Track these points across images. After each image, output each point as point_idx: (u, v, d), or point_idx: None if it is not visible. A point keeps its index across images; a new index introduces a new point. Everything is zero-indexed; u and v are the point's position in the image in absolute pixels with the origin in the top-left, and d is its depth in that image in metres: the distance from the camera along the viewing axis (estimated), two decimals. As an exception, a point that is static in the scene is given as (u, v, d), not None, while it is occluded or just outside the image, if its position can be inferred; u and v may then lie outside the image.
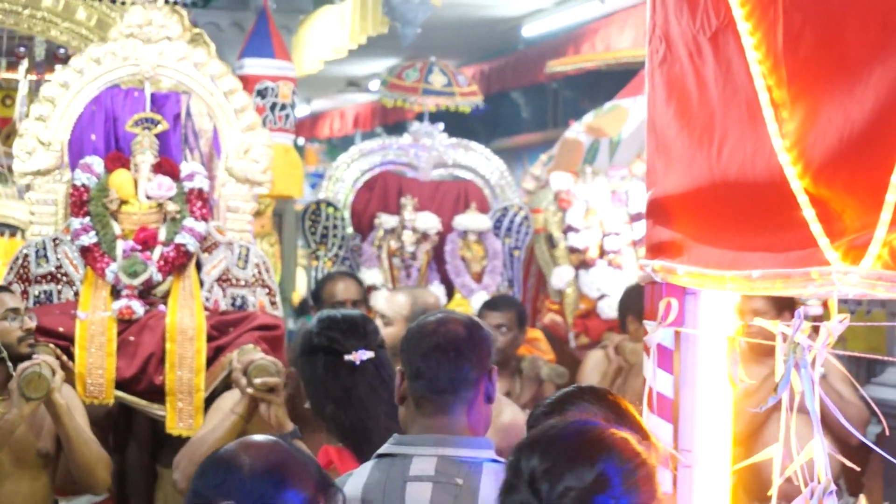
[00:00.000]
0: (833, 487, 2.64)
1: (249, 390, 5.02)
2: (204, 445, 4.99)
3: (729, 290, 2.91)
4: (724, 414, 3.24)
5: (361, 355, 4.16)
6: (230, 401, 5.28)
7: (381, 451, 3.28)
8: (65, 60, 12.81)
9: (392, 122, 20.33)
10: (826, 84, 2.57)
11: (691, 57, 3.09)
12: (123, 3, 6.86)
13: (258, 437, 2.70)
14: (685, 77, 3.12)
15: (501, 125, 17.93)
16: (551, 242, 8.37)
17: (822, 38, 2.58)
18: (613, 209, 8.39)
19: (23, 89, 12.72)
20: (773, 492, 2.85)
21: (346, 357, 4.16)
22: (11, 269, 6.13)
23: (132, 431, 6.37)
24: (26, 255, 6.12)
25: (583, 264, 8.26)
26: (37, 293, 6.05)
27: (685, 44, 3.13)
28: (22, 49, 12.02)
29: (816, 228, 2.57)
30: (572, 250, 8.31)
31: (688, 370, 3.24)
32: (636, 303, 7.03)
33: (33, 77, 13.10)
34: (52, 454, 5.33)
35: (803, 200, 2.62)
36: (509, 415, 4.99)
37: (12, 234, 10.59)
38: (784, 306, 5.80)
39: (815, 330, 2.73)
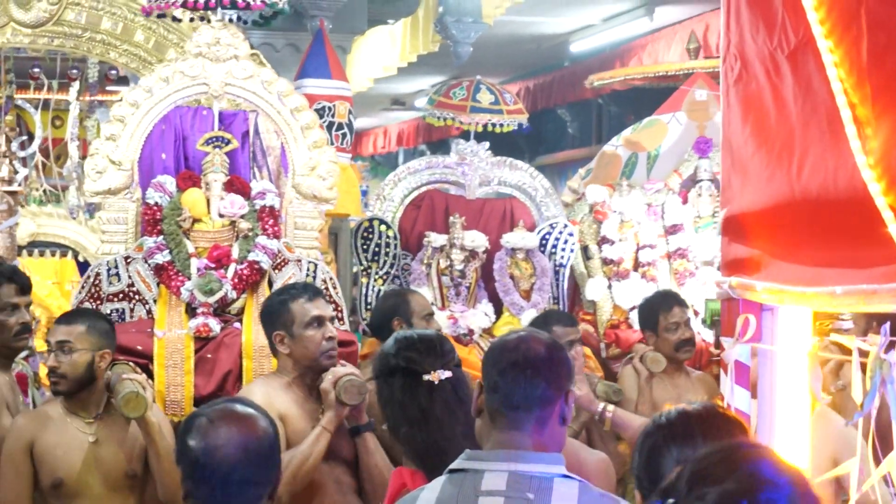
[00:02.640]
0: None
1: (337, 406, 5.13)
2: (306, 461, 5.08)
3: (811, 307, 2.97)
4: (803, 429, 3.29)
5: (440, 375, 4.16)
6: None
7: (453, 466, 3.32)
8: (117, 81, 13.06)
9: (436, 139, 20.39)
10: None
11: (768, 74, 3.17)
12: (180, 20, 6.91)
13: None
14: (762, 95, 3.19)
15: (546, 141, 17.96)
16: (586, 254, 8.40)
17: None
18: (648, 222, 8.43)
19: (74, 111, 12.93)
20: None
21: (425, 377, 4.15)
22: (83, 287, 6.20)
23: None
24: (98, 274, 6.18)
25: (616, 276, 8.30)
26: (109, 311, 6.10)
27: (762, 61, 3.20)
28: (74, 71, 12.21)
29: (902, 244, 2.63)
30: (606, 262, 8.34)
31: (765, 386, 3.29)
32: (644, 317, 7.12)
33: (86, 98, 13.31)
34: (140, 476, 5.38)
35: (888, 217, 2.68)
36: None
37: (63, 254, 10.73)
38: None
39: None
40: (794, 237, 3.05)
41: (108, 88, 13.25)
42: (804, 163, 2.98)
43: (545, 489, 3.17)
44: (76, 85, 12.77)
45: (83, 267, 10.86)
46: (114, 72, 12.58)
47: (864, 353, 2.98)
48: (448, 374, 4.20)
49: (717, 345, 7.43)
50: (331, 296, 6.28)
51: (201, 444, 3.24)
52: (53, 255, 10.85)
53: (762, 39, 3.17)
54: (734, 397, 3.28)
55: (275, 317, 5.45)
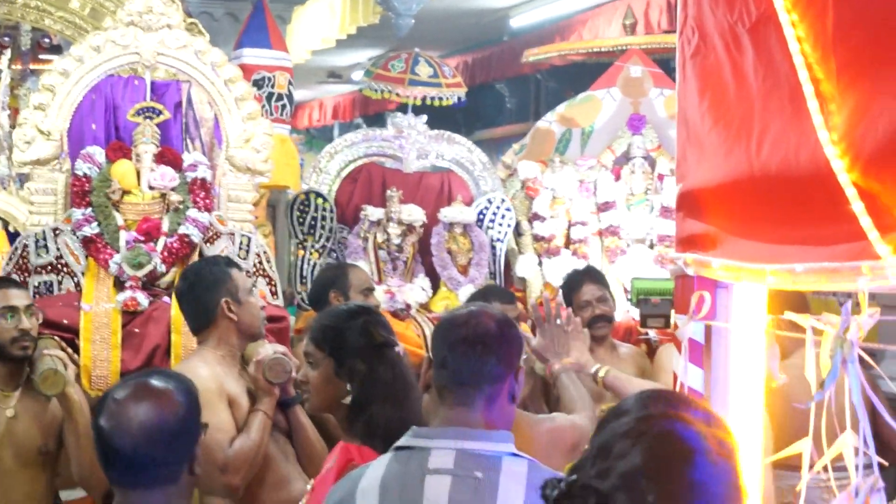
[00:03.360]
0: (882, 485, 2.61)
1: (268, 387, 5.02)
2: (259, 450, 4.96)
3: (769, 285, 2.88)
4: (757, 408, 3.22)
5: (400, 348, 4.10)
6: None
7: (399, 443, 3.23)
8: (50, 50, 12.85)
9: (372, 112, 20.29)
10: (880, 75, 2.54)
11: (728, 48, 3.07)
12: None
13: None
14: (721, 69, 3.10)
15: (483, 116, 17.91)
16: (518, 230, 8.34)
17: (877, 29, 2.55)
18: (580, 199, 8.39)
19: (5, 79, 12.69)
20: (802, 486, 2.83)
21: (396, 349, 4.07)
22: (11, 258, 6.08)
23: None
24: (26, 245, 6.06)
25: (547, 253, 8.24)
26: (36, 284, 5.99)
27: (721, 35, 3.10)
28: (6, 39, 11.99)
29: (866, 222, 2.54)
30: (537, 238, 8.29)
31: (719, 365, 3.22)
32: (563, 295, 7.06)
33: (18, 67, 13.08)
34: (53, 452, 5.26)
35: (852, 193, 2.59)
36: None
37: (-3, 227, 10.53)
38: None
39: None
40: (753, 214, 2.96)
41: (40, 57, 13.01)
42: (764, 138, 2.89)
43: (493, 468, 3.10)
44: (7, 53, 12.51)
45: (13, 237, 10.68)
46: (47, 40, 12.38)
47: (817, 332, 2.91)
48: (402, 346, 4.15)
49: (643, 322, 7.37)
50: (264, 270, 6.19)
51: (108, 424, 3.16)
52: (-13, 226, 10.64)
53: (722, 12, 3.08)
54: (688, 376, 3.20)
55: (219, 284, 5.19)
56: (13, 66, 13.02)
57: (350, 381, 3.94)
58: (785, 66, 2.81)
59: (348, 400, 3.94)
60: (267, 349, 5.11)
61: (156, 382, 3.24)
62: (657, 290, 7.36)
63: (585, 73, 12.37)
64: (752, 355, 3.18)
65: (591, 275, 6.95)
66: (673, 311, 7.18)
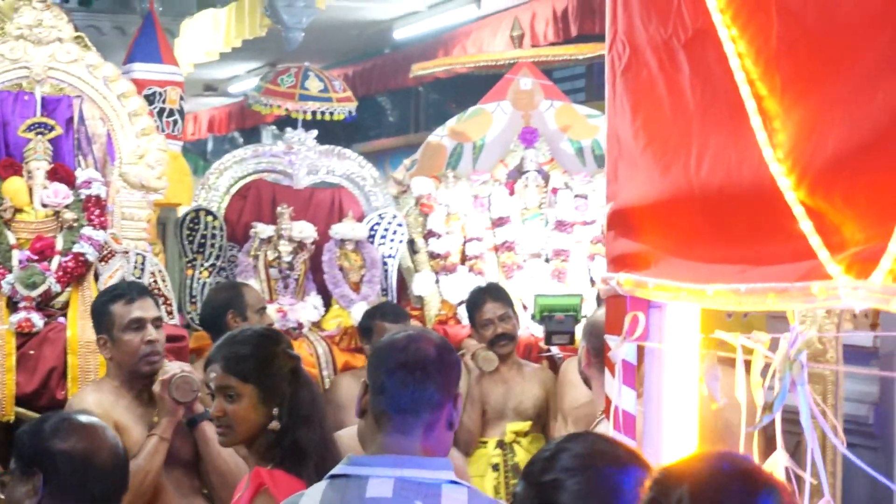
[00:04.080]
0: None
1: (172, 408, 4.87)
2: (146, 477, 4.81)
3: (710, 305, 2.85)
4: (691, 430, 3.18)
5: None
6: None
7: (334, 471, 3.15)
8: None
9: (249, 126, 20.09)
10: (826, 91, 2.51)
11: (662, 64, 3.03)
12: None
13: None
14: (655, 85, 3.06)
15: (363, 128, 17.81)
16: (413, 248, 8.28)
17: (824, 44, 2.52)
18: (475, 214, 8.35)
19: None
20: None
21: (310, 372, 4.02)
22: None
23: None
24: (-89, 267, 5.86)
25: (444, 270, 8.19)
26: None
27: (654, 50, 3.06)
28: None
29: (815, 241, 2.51)
30: (433, 256, 8.23)
31: (653, 386, 3.18)
32: (468, 313, 7.05)
33: None
34: None
35: (799, 212, 2.56)
36: None
37: None
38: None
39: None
40: (692, 232, 2.92)
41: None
42: (704, 156, 2.85)
43: (433, 495, 3.03)
44: None
45: None
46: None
47: (747, 351, 2.89)
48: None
49: (547, 340, 7.37)
50: (159, 289, 6.08)
51: (75, 447, 3.19)
52: None
53: (654, 27, 3.04)
54: (621, 398, 3.15)
55: (99, 319, 5.14)
56: None
57: (278, 406, 3.86)
58: (724, 81, 2.78)
59: (274, 425, 3.85)
60: (173, 367, 4.99)
61: (85, 418, 3.31)
62: (561, 306, 7.35)
63: (469, 85, 12.38)
64: (686, 375, 3.14)
65: (492, 293, 6.91)
66: (577, 328, 7.23)
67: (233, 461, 4.88)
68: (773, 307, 2.71)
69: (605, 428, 3.38)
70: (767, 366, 2.83)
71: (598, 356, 3.90)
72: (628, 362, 3.17)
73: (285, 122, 8.48)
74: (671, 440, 3.16)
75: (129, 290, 5.15)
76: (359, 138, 17.64)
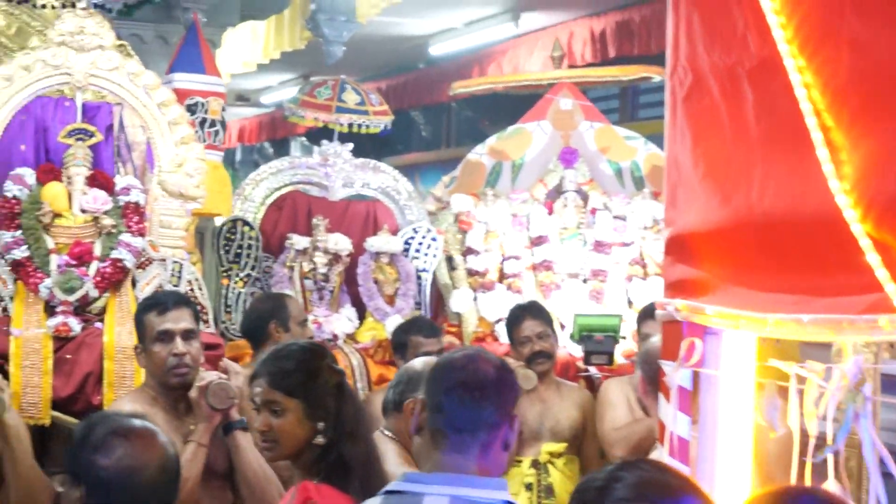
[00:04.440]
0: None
1: (209, 415, 4.86)
2: (185, 485, 4.76)
3: (770, 334, 2.83)
4: (745, 457, 3.16)
5: None
6: None
7: (390, 487, 3.15)
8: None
9: (280, 136, 20.14)
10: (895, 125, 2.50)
11: (725, 91, 3.01)
12: (43, 7, 6.59)
13: None
14: (717, 112, 3.04)
15: (392, 142, 17.83)
16: (451, 264, 8.28)
17: (894, 78, 2.50)
18: (513, 232, 8.34)
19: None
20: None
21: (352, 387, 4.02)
22: (-65, 282, 5.88)
23: (49, 452, 6.13)
24: (-51, 268, 5.87)
25: (482, 287, 8.18)
26: (-47, 307, 5.81)
27: (717, 78, 3.04)
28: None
29: (882, 274, 2.50)
30: (471, 273, 8.22)
31: (708, 412, 3.15)
32: (507, 330, 7.01)
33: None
34: None
35: (866, 244, 2.54)
36: None
37: None
38: None
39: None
40: (751, 261, 2.90)
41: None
42: (766, 185, 2.83)
43: None
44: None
45: None
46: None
47: (800, 380, 2.87)
48: None
49: (586, 360, 7.36)
50: (195, 297, 6.05)
51: (118, 463, 3.10)
52: None
53: (718, 54, 3.02)
54: (676, 424, 3.13)
55: (137, 328, 5.17)
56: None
57: (323, 421, 3.86)
58: (789, 111, 2.76)
59: (319, 440, 3.84)
60: (210, 375, 4.98)
61: (138, 423, 3.22)
62: (600, 326, 7.34)
63: (501, 103, 12.38)
64: (742, 403, 3.12)
65: (532, 310, 6.88)
66: (616, 349, 7.20)
67: (263, 474, 4.88)
68: (833, 338, 2.70)
69: (660, 454, 3.36)
70: (821, 395, 2.81)
71: (653, 384, 3.88)
72: (684, 388, 3.15)
73: (315, 134, 8.48)
74: (725, 467, 3.14)
75: (164, 300, 5.14)
76: (387, 152, 17.67)
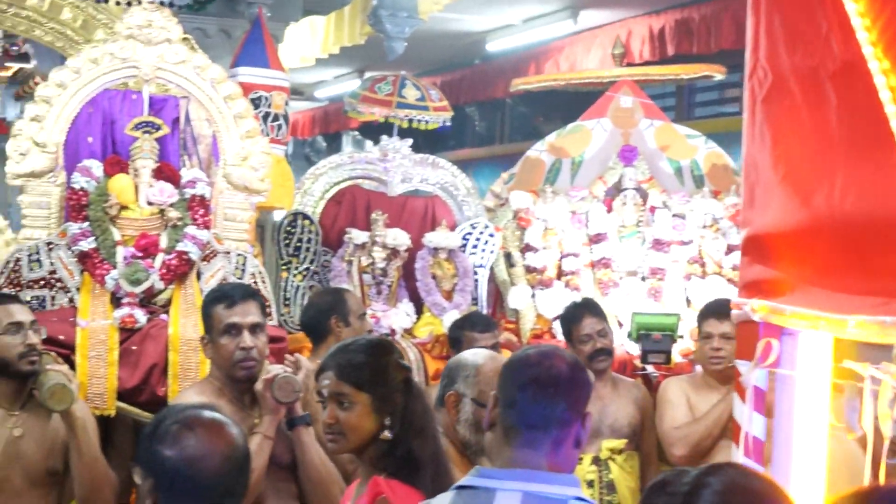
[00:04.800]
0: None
1: (274, 407, 4.88)
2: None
3: (850, 336, 2.82)
4: (819, 457, 3.16)
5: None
6: None
7: (462, 482, 3.17)
8: (17, 58, 12.69)
9: (332, 131, 20.19)
10: None
11: (806, 93, 3.01)
12: (107, 2, 6.65)
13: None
14: (798, 114, 3.04)
15: (444, 138, 17.85)
16: (509, 261, 8.29)
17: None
18: (572, 230, 8.34)
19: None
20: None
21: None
22: (2, 273, 5.91)
23: (112, 443, 6.19)
24: (18, 259, 5.90)
25: (540, 284, 8.18)
26: (28, 298, 5.82)
27: (798, 80, 3.04)
28: (-27, 45, 11.83)
29: (968, 277, 2.50)
30: (530, 270, 8.23)
31: (783, 412, 3.15)
32: (562, 328, 7.01)
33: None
34: (61, 472, 5.11)
35: (951, 248, 2.54)
36: None
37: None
38: None
39: None
40: (831, 262, 2.90)
41: (6, 64, 12.87)
42: (848, 188, 2.83)
43: None
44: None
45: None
46: (15, 48, 12.22)
47: (875, 381, 2.87)
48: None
49: (643, 358, 7.35)
50: (259, 290, 6.07)
51: (182, 454, 3.06)
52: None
53: (800, 56, 3.01)
54: (752, 424, 3.13)
55: (204, 319, 5.20)
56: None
57: (390, 416, 3.87)
58: (873, 114, 2.76)
59: (385, 435, 3.85)
60: (276, 368, 5.00)
61: (208, 414, 3.19)
62: (658, 325, 7.33)
63: (556, 100, 12.38)
64: (817, 403, 3.12)
65: (590, 308, 6.88)
66: (673, 348, 7.19)
67: (325, 471, 4.89)
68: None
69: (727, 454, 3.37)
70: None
71: None
72: (759, 388, 3.15)
73: (367, 129, 8.52)
74: (800, 466, 3.14)
75: (232, 293, 5.16)
76: (440, 148, 17.71)
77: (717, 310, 6.55)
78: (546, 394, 3.11)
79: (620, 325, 7.78)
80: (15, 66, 13.57)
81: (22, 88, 14.78)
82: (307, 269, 7.61)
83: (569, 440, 3.15)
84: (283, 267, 7.59)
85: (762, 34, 3.20)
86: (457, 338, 6.71)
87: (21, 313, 5.16)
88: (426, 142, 8.20)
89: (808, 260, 2.99)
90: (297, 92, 19.49)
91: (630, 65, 10.91)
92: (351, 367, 3.94)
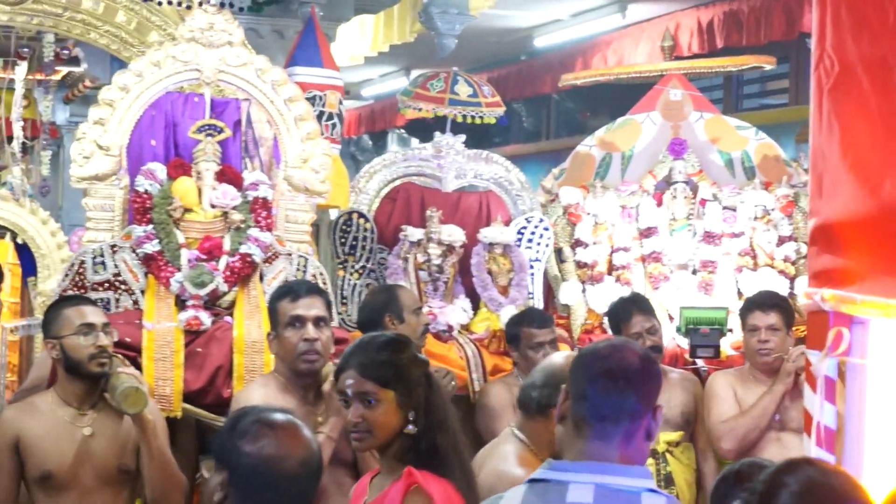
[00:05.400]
0: None
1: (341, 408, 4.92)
2: None
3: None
4: (892, 446, 3.18)
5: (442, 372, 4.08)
6: None
7: (534, 475, 3.21)
8: (68, 62, 12.80)
9: (378, 129, 20.25)
10: None
11: (875, 82, 3.04)
12: (160, 4, 6.72)
13: None
14: (867, 103, 3.06)
15: (492, 134, 17.89)
16: (560, 257, 8.29)
17: None
18: (622, 224, 8.33)
19: (20, 90, 12.64)
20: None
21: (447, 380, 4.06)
22: (67, 275, 6.00)
23: (176, 444, 6.25)
24: (83, 262, 5.98)
25: (591, 279, 8.19)
26: (93, 301, 5.92)
27: (867, 68, 3.07)
28: (25, 50, 11.93)
29: None
30: (580, 265, 8.23)
31: (854, 402, 3.17)
32: (610, 324, 7.04)
33: (36, 77, 13.05)
34: (133, 471, 5.20)
35: None
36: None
37: (1, 236, 10.52)
38: None
39: None
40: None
41: (56, 68, 12.97)
42: (920, 175, 2.85)
43: (633, 503, 3.05)
44: (23, 65, 12.47)
45: (21, 249, 10.66)
46: (66, 52, 12.33)
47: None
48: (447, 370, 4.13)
49: (692, 352, 7.37)
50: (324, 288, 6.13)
51: (261, 452, 3.13)
52: (-8, 236, 10.64)
53: (867, 45, 3.04)
54: (823, 414, 3.16)
55: (270, 315, 5.32)
56: (31, 77, 13.00)
57: (414, 411, 3.91)
58: (944, 102, 2.78)
59: (410, 429, 3.90)
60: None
61: (281, 416, 3.24)
62: (706, 319, 7.34)
63: (603, 95, 12.39)
64: (890, 392, 3.14)
65: (640, 304, 6.92)
66: (722, 341, 7.18)
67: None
68: None
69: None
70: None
71: None
72: (830, 378, 3.17)
73: (413, 127, 8.56)
74: (872, 456, 3.16)
75: (297, 288, 5.26)
76: (486, 144, 17.75)
77: (762, 302, 6.59)
78: (617, 386, 3.14)
79: (671, 319, 7.80)
80: (64, 70, 13.65)
81: (71, 92, 14.90)
82: (363, 267, 7.65)
83: (640, 432, 3.18)
84: (340, 265, 7.63)
85: (828, 23, 3.23)
86: (514, 334, 6.75)
87: (93, 315, 5.24)
88: (472, 138, 8.21)
89: (878, 248, 3.02)
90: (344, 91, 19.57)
91: (679, 58, 10.89)
92: (374, 365, 3.96)
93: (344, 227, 7.61)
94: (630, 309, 6.88)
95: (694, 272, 8.23)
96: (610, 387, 3.15)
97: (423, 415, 3.92)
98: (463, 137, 8.20)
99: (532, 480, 3.21)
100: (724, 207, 8.27)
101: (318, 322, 5.17)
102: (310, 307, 5.18)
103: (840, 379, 3.20)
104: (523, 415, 4.74)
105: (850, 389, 3.18)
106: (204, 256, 5.97)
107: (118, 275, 6.01)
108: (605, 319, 7.84)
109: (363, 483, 4.09)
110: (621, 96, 9.31)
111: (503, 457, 4.63)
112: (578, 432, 3.19)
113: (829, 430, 3.18)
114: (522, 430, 4.74)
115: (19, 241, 10.54)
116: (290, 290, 5.25)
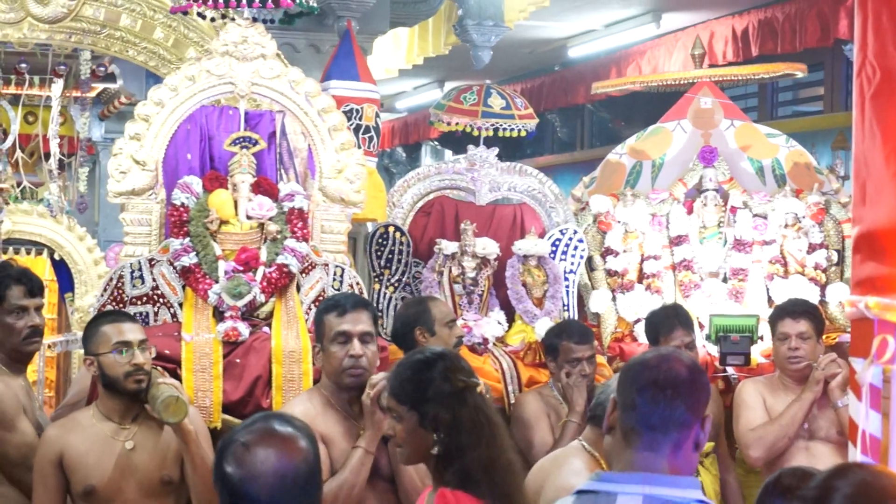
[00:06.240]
0: None
1: (379, 421, 4.93)
2: (352, 490, 4.89)
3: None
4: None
5: (481, 386, 4.04)
6: None
7: (582, 486, 3.20)
8: (103, 78, 12.86)
9: (412, 141, 20.30)
10: None
11: (916, 89, 3.02)
12: (204, 18, 6.74)
13: None
14: (909, 109, 3.05)
15: (524, 146, 17.87)
16: (590, 265, 8.28)
17: None
18: (653, 232, 8.32)
19: (56, 107, 12.72)
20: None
21: (479, 388, 4.02)
22: (105, 289, 6.02)
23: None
24: (121, 276, 6.00)
25: (621, 288, 8.18)
26: (132, 315, 5.94)
27: (908, 75, 3.05)
28: (62, 67, 11.99)
29: None
30: (610, 273, 8.22)
31: (899, 409, 3.15)
32: (648, 333, 7.02)
33: (72, 94, 13.11)
34: (175, 481, 5.22)
35: None
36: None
37: (38, 252, 10.58)
38: None
39: None
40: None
41: (92, 85, 13.03)
42: (963, 181, 2.83)
43: None
44: (59, 82, 12.54)
45: (58, 266, 10.72)
46: (101, 68, 12.39)
47: None
48: (483, 382, 4.11)
49: (722, 360, 7.35)
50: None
51: (239, 471, 3.11)
52: (29, 252, 10.69)
53: (909, 50, 3.03)
54: (868, 422, 3.14)
55: (316, 328, 5.34)
56: (66, 94, 13.07)
57: (435, 432, 3.89)
58: None
59: (436, 450, 3.88)
60: (380, 376, 5.05)
61: (279, 426, 3.19)
62: (736, 327, 7.33)
63: (637, 104, 12.39)
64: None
65: (681, 318, 6.92)
66: (753, 349, 7.16)
67: (421, 481, 4.92)
68: None
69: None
70: None
71: None
72: (875, 386, 3.15)
73: (447, 139, 8.55)
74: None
75: (344, 302, 5.25)
76: (519, 156, 17.75)
77: (793, 309, 6.58)
78: (665, 396, 3.13)
79: (702, 326, 7.78)
80: (100, 87, 13.72)
81: (106, 108, 14.97)
82: (399, 280, 7.67)
83: (688, 442, 3.17)
84: (376, 279, 7.65)
85: (870, 31, 3.22)
86: (553, 346, 6.72)
87: (131, 332, 5.26)
88: (505, 149, 8.22)
89: (923, 255, 3.00)
90: (377, 103, 19.62)
91: (713, 66, 10.88)
92: (397, 384, 3.99)
93: (380, 241, 7.63)
94: (673, 322, 6.87)
95: (724, 280, 8.22)
96: (658, 396, 3.15)
97: (452, 434, 3.89)
98: (496, 150, 8.20)
99: (580, 492, 3.20)
100: (755, 215, 8.26)
101: (364, 337, 5.17)
102: (356, 322, 5.18)
103: (885, 386, 3.17)
104: (594, 428, 4.74)
105: (894, 397, 3.15)
106: (241, 268, 5.98)
107: (156, 288, 6.02)
108: (637, 327, 7.84)
109: (423, 495, 4.08)
110: (655, 106, 9.29)
111: (575, 471, 4.63)
112: (627, 442, 3.19)
113: (875, 438, 3.15)
114: (594, 444, 4.75)
115: (56, 257, 10.63)
116: (337, 304, 5.25)
